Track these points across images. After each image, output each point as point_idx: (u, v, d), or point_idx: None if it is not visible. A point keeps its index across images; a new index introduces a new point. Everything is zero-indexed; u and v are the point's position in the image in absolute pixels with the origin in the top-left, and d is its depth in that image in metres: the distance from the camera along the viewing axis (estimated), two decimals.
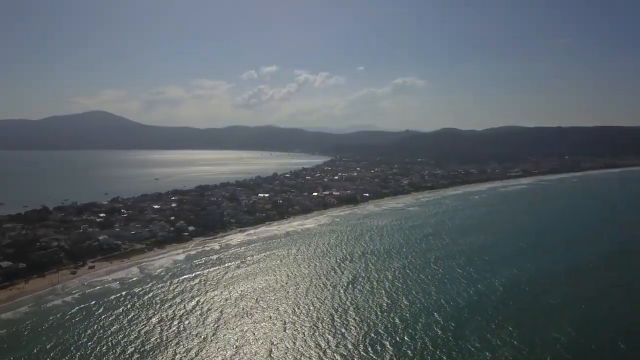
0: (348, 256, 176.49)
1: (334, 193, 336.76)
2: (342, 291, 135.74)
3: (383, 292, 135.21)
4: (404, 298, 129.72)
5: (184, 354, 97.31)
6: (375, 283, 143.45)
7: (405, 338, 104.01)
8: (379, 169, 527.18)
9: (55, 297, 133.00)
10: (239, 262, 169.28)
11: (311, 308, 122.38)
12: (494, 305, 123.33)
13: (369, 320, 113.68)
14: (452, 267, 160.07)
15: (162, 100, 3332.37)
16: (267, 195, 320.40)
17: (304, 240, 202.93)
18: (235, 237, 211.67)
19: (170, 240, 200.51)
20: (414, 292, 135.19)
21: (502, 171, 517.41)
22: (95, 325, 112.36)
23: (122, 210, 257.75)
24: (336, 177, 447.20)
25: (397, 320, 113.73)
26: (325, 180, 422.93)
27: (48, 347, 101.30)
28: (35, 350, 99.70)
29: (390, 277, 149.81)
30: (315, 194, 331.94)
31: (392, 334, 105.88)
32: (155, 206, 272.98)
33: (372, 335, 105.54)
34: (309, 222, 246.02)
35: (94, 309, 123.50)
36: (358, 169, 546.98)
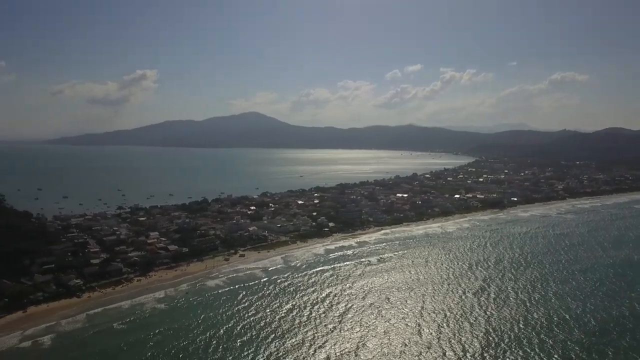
0: (483, 261, 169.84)
1: (477, 196, 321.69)
2: (471, 296, 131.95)
3: (516, 301, 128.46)
4: (539, 309, 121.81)
5: (311, 340, 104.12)
6: (509, 291, 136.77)
7: (537, 351, 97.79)
8: (529, 172, 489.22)
9: (210, 280, 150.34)
10: (372, 259, 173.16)
11: (437, 310, 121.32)
12: None
13: (497, 330, 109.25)
14: (600, 281, 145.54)
15: (309, 101, 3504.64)
16: (405, 195, 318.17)
17: (440, 243, 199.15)
18: (372, 236, 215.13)
19: (311, 235, 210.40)
20: (551, 304, 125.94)
21: None
22: (239, 306, 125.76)
23: (270, 205, 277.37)
24: (481, 179, 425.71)
25: (529, 332, 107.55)
26: (469, 182, 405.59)
27: (198, 321, 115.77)
28: (187, 323, 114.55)
29: (526, 286, 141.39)
30: (457, 196, 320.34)
31: (522, 347, 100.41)
32: (299, 202, 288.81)
33: (499, 346, 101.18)
34: (449, 225, 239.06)
35: (239, 292, 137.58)
36: (506, 171, 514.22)
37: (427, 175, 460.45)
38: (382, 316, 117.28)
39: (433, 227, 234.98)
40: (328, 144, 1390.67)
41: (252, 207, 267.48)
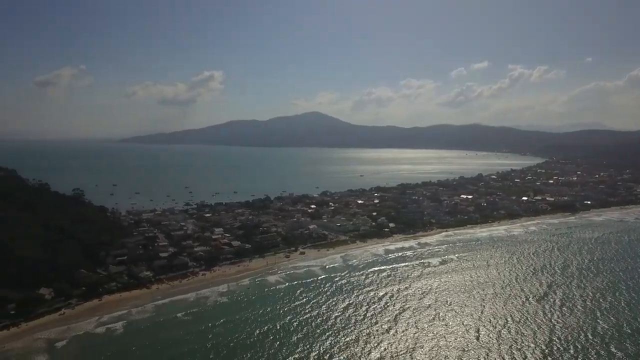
0: (549, 266, 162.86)
1: (547, 198, 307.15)
2: (534, 303, 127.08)
3: (583, 309, 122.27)
4: (609, 319, 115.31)
5: (366, 339, 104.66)
6: (576, 299, 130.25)
7: None
8: (605, 174, 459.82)
9: (270, 276, 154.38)
10: (432, 261, 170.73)
11: (498, 315, 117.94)
12: None
13: (562, 339, 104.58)
14: None
15: (371, 100, 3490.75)
16: (470, 196, 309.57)
17: (504, 247, 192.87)
18: (434, 237, 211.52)
19: (371, 235, 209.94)
20: (623, 314, 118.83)
21: None
22: (296, 302, 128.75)
23: (330, 204, 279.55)
24: (551, 181, 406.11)
25: (597, 343, 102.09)
26: (538, 183, 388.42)
27: (257, 315, 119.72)
28: (246, 316, 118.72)
29: (595, 294, 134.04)
30: (524, 198, 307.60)
31: (589, 359, 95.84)
32: (359, 201, 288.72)
33: (564, 356, 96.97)
34: (515, 228, 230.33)
35: (297, 288, 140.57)
36: (578, 172, 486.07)
37: (493, 177, 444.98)
38: (439, 318, 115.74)
39: (499, 229, 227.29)
40: (389, 143, 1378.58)
41: (313, 206, 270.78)
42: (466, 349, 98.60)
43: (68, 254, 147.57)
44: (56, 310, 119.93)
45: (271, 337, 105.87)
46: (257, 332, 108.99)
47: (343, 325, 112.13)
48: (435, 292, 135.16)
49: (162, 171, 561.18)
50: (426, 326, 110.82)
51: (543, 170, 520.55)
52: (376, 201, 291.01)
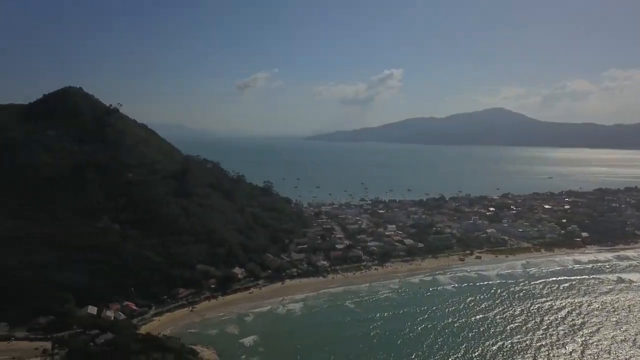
0: None
1: None
2: None
3: None
4: None
5: (535, 351, 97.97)
6: None
7: None
8: None
9: (441, 276, 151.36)
10: (631, 277, 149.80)
11: None
12: None
13: None
14: None
15: (564, 94, 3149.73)
16: None
17: None
18: (638, 252, 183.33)
19: (559, 244, 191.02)
20: None
21: None
22: (463, 304, 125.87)
23: (512, 207, 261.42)
24: None
25: None
26: None
27: (422, 311, 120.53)
28: (411, 312, 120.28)
29: None
30: None
31: None
32: (546, 206, 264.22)
33: None
34: None
35: (468, 291, 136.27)
36: None
37: None
38: (631, 341, 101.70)
39: None
40: (585, 142, 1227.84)
41: (492, 208, 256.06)
42: None
43: (258, 238, 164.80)
44: (246, 288, 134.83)
45: (433, 335, 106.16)
46: (420, 327, 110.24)
47: (511, 333, 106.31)
48: (629, 310, 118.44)
49: (341, 167, 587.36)
50: (611, 348, 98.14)
51: None
52: (567, 207, 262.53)
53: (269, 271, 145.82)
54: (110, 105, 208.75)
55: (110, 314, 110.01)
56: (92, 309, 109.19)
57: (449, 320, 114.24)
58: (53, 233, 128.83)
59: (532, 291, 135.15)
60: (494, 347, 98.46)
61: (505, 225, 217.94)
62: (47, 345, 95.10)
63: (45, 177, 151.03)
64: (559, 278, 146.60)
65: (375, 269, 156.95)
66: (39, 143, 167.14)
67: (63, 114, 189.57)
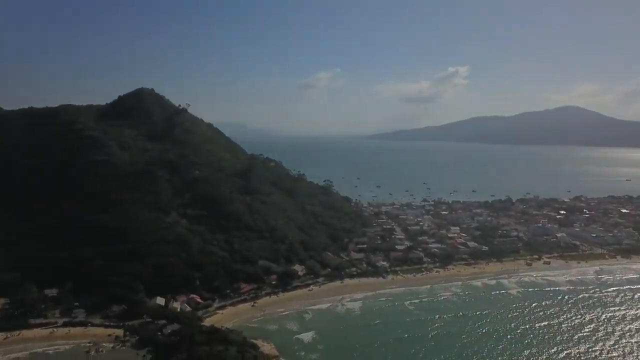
0: None
1: None
2: None
3: None
4: None
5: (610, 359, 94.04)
6: None
7: None
8: None
9: (505, 280, 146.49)
10: None
11: None
12: None
13: None
14: None
15: None
16: None
17: None
18: None
19: (637, 251, 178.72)
20: None
21: None
22: (528, 309, 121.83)
23: (585, 210, 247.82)
24: None
25: None
26: None
27: (483, 314, 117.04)
28: (471, 315, 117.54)
29: None
30: None
31: None
32: (623, 210, 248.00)
33: None
34: None
35: (533, 296, 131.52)
36: None
37: None
38: None
39: None
40: None
41: (562, 212, 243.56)
42: None
43: (318, 236, 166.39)
44: (305, 285, 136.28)
45: (494, 339, 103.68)
46: (480, 331, 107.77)
47: (579, 342, 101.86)
48: None
49: (402, 167, 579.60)
50: None
51: None
52: None
53: (329, 269, 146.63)
54: (179, 105, 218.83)
55: (176, 305, 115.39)
56: (160, 300, 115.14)
57: (512, 325, 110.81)
58: (125, 226, 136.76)
59: (604, 299, 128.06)
60: (560, 356, 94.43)
61: (577, 229, 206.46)
62: (120, 332, 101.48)
63: (119, 174, 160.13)
64: (635, 286, 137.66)
65: (436, 271, 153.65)
66: (116, 141, 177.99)
67: (137, 114, 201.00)
